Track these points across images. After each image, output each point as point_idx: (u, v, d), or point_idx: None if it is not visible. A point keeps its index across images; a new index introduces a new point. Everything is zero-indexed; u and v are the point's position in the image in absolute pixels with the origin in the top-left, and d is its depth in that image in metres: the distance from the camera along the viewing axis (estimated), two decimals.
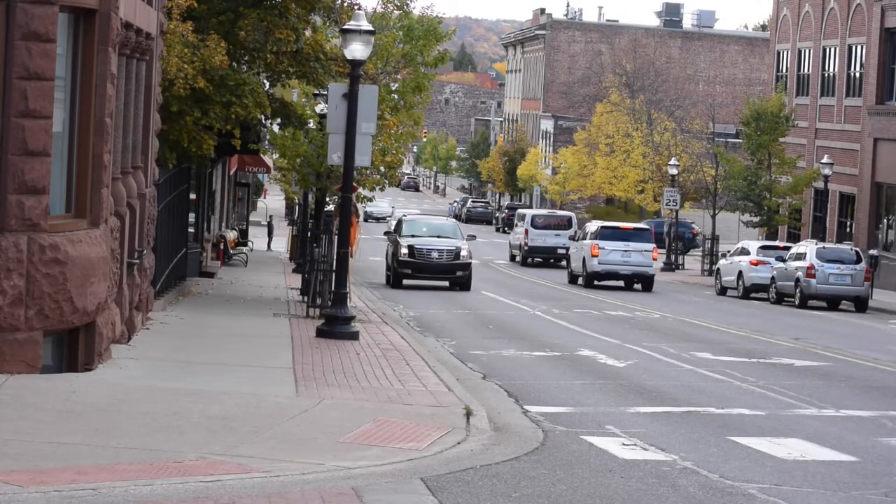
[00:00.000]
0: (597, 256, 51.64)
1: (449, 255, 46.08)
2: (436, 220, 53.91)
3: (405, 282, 46.55)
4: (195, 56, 26.76)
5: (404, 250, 46.15)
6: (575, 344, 28.21)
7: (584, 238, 54.18)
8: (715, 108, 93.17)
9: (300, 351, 22.13)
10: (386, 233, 51.02)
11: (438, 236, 47.62)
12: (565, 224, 66.63)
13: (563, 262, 59.44)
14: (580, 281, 52.60)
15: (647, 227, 57.72)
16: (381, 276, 50.08)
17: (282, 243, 69.00)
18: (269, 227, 71.49)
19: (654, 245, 53.04)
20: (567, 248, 58.80)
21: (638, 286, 52.29)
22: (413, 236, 47.25)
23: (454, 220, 59.33)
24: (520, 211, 74.15)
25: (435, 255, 46.04)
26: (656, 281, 54.05)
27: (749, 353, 27.73)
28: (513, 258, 68.96)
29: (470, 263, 46.63)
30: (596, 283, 52.18)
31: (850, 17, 64.16)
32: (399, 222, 50.34)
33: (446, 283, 46.50)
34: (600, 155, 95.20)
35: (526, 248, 66.50)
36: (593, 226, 55.02)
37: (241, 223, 67.31)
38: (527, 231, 66.20)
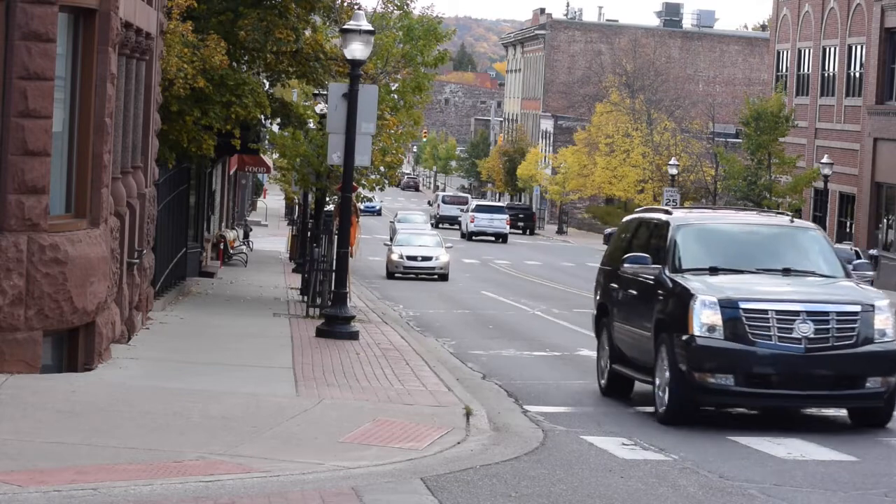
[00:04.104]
0: (473, 222, 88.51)
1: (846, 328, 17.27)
2: (760, 226, 19.77)
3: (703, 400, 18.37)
4: (195, 56, 26.76)
5: (710, 314, 17.15)
6: (575, 344, 28.19)
7: (467, 211, 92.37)
8: (715, 107, 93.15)
9: (300, 351, 22.12)
10: (625, 260, 19.48)
11: (786, 271, 18.42)
12: (464, 202, 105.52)
13: (459, 227, 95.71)
14: (464, 237, 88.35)
15: (503, 205, 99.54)
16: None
17: (278, 243, 68.74)
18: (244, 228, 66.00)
19: (507, 216, 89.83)
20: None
21: (500, 241, 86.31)
22: (718, 272, 18.15)
23: (812, 223, 21.69)
24: (436, 193, 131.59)
25: (804, 330, 17.01)
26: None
27: None
28: (433, 225, 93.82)
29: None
30: (473, 238, 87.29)
31: (850, 17, 64.14)
32: (672, 228, 18.90)
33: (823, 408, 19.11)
34: (600, 155, 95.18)
35: (438, 216, 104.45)
36: (472, 204, 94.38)
37: (242, 222, 66.56)
38: (439, 205, 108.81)
